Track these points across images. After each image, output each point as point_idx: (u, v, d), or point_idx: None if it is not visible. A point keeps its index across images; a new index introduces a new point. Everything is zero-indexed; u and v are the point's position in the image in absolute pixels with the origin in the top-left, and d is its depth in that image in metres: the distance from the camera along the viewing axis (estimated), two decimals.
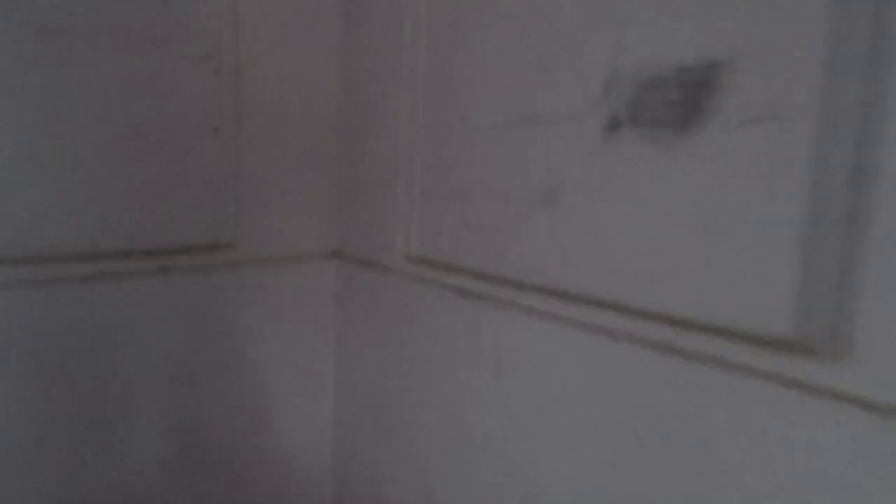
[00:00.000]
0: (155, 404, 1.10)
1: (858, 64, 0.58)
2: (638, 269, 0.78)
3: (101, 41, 0.98)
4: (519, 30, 0.91)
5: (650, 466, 0.77)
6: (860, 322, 0.60)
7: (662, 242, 0.75)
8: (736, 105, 0.66)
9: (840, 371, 0.61)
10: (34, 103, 0.94)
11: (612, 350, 0.80)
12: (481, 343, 1.00)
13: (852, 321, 0.60)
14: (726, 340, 0.69)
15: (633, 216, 0.78)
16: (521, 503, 0.95)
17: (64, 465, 1.03)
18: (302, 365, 1.30)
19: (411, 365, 1.15)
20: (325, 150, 1.26)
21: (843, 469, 0.61)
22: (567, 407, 0.88)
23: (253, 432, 1.24)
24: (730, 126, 0.67)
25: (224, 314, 1.17)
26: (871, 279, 0.59)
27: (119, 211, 1.03)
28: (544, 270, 0.90)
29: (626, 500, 0.80)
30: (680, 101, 0.70)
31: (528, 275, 0.92)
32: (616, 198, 0.80)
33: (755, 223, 0.66)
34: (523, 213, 0.92)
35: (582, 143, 0.83)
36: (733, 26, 0.66)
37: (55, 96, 0.95)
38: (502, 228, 0.96)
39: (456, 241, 1.04)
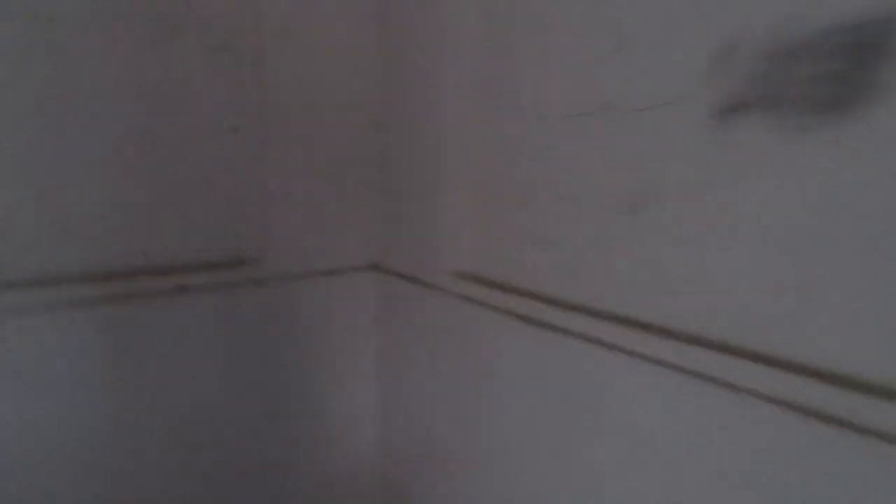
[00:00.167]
0: (173, 437, 0.99)
1: None
2: (767, 301, 0.59)
3: (104, 30, 0.86)
4: None
5: None
6: None
7: (807, 268, 0.56)
8: None
9: None
10: (28, 104, 0.82)
11: (730, 408, 0.61)
12: (548, 381, 0.83)
13: None
14: None
15: (759, 229, 0.59)
16: None
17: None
18: (338, 390, 1.16)
19: (462, 395, 0.99)
20: (362, 150, 1.11)
21: None
22: (648, 466, 0.70)
23: (288, 464, 1.11)
24: None
25: (250, 336, 1.04)
26: None
27: (129, 225, 0.91)
28: (631, 296, 0.72)
29: None
30: (837, 73, 0.50)
31: (610, 301, 0.74)
32: (733, 204, 0.61)
33: None
34: (603, 222, 0.74)
35: (682, 133, 0.64)
36: None
37: (51, 96, 0.83)
38: (575, 242, 0.78)
39: (516, 256, 0.87)
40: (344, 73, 1.07)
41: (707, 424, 0.64)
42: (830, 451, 0.54)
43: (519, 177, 0.85)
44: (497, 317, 0.90)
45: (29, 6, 0.79)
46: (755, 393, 0.59)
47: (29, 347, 0.86)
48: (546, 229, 0.82)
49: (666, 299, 0.69)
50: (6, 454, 0.86)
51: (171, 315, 0.95)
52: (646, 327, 0.71)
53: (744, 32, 0.58)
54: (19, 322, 0.85)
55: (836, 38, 0.50)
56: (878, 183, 0.50)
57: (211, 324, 0.99)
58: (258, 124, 1.00)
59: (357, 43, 1.07)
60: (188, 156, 0.95)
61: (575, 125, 0.76)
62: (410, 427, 1.14)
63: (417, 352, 1.09)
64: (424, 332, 1.06)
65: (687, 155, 0.64)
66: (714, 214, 0.63)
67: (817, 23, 0.52)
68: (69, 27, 0.83)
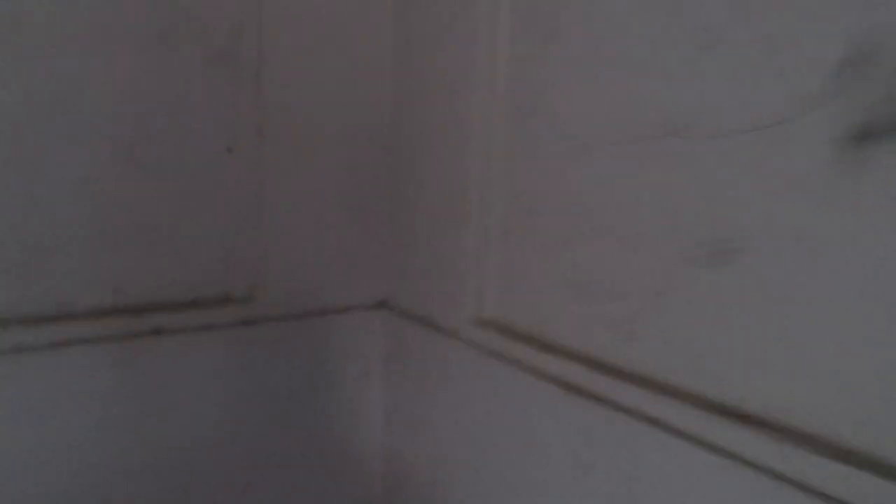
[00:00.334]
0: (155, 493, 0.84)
1: None
2: (888, 396, 0.44)
3: (85, 36, 0.74)
4: None
5: None
6: None
7: None
8: None
9: None
10: None
11: None
12: (590, 464, 0.67)
13: None
14: None
15: (886, 299, 0.44)
16: None
17: None
18: (341, 445, 1.01)
19: (482, 465, 0.84)
20: (373, 175, 0.98)
21: None
22: None
23: None
24: None
25: (237, 386, 0.90)
26: None
27: (98, 257, 0.78)
28: (703, 369, 0.57)
29: None
30: None
31: (675, 373, 0.59)
32: (852, 262, 0.46)
33: None
34: (671, 273, 0.59)
35: (788, 165, 0.49)
36: None
37: (18, 111, 0.71)
38: (633, 295, 0.63)
39: (553, 305, 0.73)
40: (354, 88, 0.94)
41: None
42: None
43: (562, 210, 0.71)
44: (528, 378, 0.75)
45: None
46: None
47: None
48: (594, 276, 0.67)
49: (749, 377, 0.54)
50: None
51: (145, 361, 0.81)
52: (720, 409, 0.56)
53: (883, 35, 0.43)
54: None
55: None
56: None
57: (190, 372, 0.85)
58: (256, 145, 0.87)
59: (370, 53, 0.95)
60: (176, 178, 0.82)
61: (633, 152, 0.62)
62: (420, 491, 0.98)
63: (430, 410, 0.93)
64: (439, 388, 0.91)
65: (794, 194, 0.49)
66: (824, 274, 0.48)
67: None
68: (40, 32, 0.71)
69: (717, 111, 0.54)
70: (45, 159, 0.74)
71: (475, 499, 0.86)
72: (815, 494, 0.49)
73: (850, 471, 0.46)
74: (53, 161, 0.74)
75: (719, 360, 0.56)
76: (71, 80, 0.74)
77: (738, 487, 0.54)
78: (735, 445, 0.54)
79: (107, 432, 0.80)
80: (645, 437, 0.61)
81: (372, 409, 1.04)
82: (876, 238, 0.45)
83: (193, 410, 0.86)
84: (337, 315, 0.98)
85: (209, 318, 0.85)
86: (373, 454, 1.04)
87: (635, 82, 0.62)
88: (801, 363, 0.50)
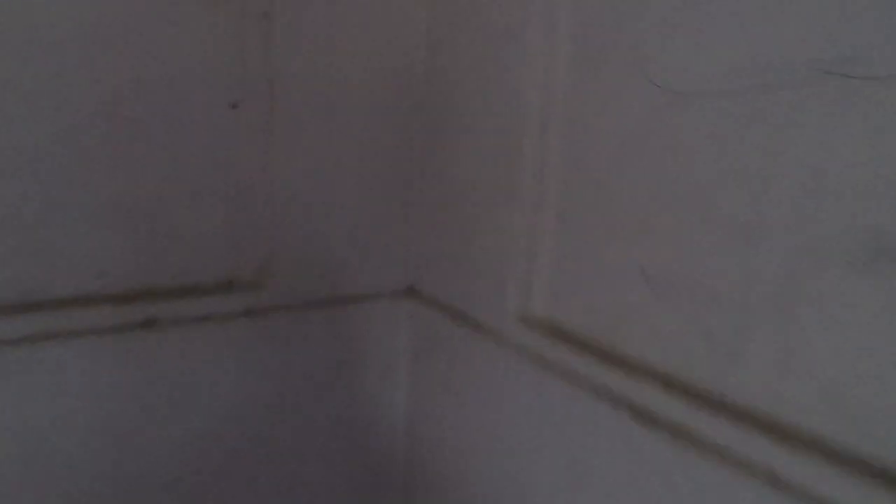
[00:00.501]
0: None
1: None
2: None
3: None
4: None
5: None
6: None
7: None
8: None
9: None
10: None
11: None
12: None
13: None
14: None
15: None
16: None
17: None
18: (359, 451, 0.90)
19: (522, 486, 0.71)
20: (403, 138, 0.83)
21: None
22: None
23: None
24: None
25: (244, 385, 0.78)
26: None
27: (78, 234, 0.66)
28: (851, 414, 0.42)
29: None
30: None
31: (806, 413, 0.44)
32: None
33: None
34: (802, 274, 0.44)
35: None
36: None
37: None
38: (740, 299, 0.48)
39: (624, 306, 0.58)
40: (381, 30, 0.78)
41: None
42: None
43: (644, 183, 0.55)
44: (586, 395, 0.61)
45: None
46: None
47: None
48: (686, 273, 0.52)
49: None
50: None
51: (135, 357, 0.70)
52: (871, 472, 0.41)
53: None
54: None
55: None
56: None
57: (188, 370, 0.73)
58: (265, 100, 0.73)
59: None
60: (170, 140, 0.68)
61: (764, 103, 0.46)
62: None
63: (462, 419, 0.80)
64: (473, 395, 0.78)
65: None
66: None
67: None
68: None
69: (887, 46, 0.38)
70: (11, 116, 0.61)
71: None
72: None
73: None
74: (22, 118, 0.62)
75: (873, 405, 0.41)
76: (42, 17, 0.61)
77: None
78: None
79: (93, 436, 0.70)
80: (748, 493, 0.47)
81: (394, 412, 0.91)
82: None
83: (192, 412, 0.75)
84: (357, 304, 0.86)
85: (210, 307, 0.73)
86: (393, 461, 0.93)
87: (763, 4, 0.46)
88: None
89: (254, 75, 0.72)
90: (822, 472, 0.43)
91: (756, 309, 0.47)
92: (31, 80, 0.62)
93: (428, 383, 0.88)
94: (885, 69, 0.39)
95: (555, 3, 0.62)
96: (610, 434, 0.58)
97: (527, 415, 0.70)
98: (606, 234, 0.60)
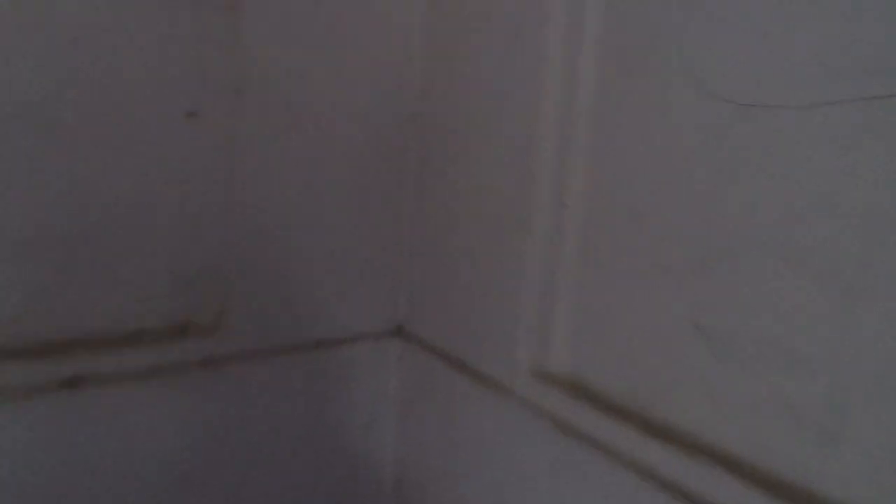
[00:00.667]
0: None
1: None
2: None
3: None
4: None
5: None
6: None
7: None
8: None
9: None
10: None
11: None
12: None
13: None
14: None
15: None
16: None
17: None
18: None
19: None
20: (393, 154, 0.72)
21: None
22: None
23: None
24: None
25: (199, 450, 0.64)
26: None
27: None
28: None
29: None
30: None
31: None
32: None
33: None
34: None
35: None
36: None
37: None
38: (834, 362, 0.37)
39: (668, 365, 0.47)
40: (369, 25, 0.67)
41: None
42: None
43: (694, 216, 0.45)
44: (621, 472, 0.49)
45: None
46: None
47: None
48: (757, 329, 0.41)
49: None
50: None
51: (59, 423, 0.56)
52: None
53: None
54: None
55: None
56: None
57: (126, 436, 0.59)
58: (230, 109, 0.61)
59: None
60: (109, 154, 0.56)
61: (860, 116, 0.36)
62: None
63: (460, 484, 0.68)
64: (475, 457, 0.65)
65: None
66: None
67: None
68: None
69: None
70: None
71: None
72: None
73: None
74: None
75: None
76: None
77: None
78: None
79: None
80: None
81: (381, 470, 0.78)
82: None
83: (134, 484, 0.61)
84: (338, 347, 0.73)
85: (157, 357, 0.60)
86: None
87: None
88: None
89: (216, 79, 0.60)
90: None
91: (859, 380, 0.37)
92: None
93: (420, 439, 0.75)
94: None
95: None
96: None
97: (543, 484, 0.57)
98: (646, 275, 0.49)
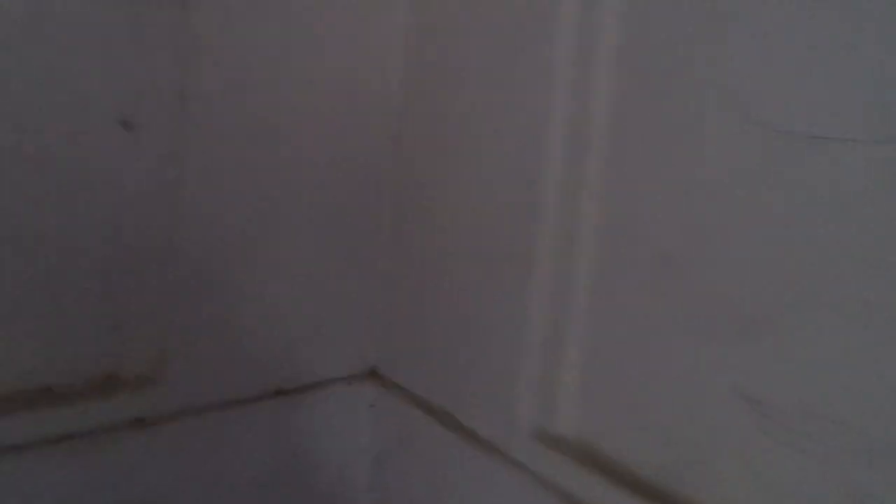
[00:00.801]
0: None
1: None
2: None
3: None
4: None
5: None
6: None
7: None
8: None
9: None
10: None
11: None
12: None
13: None
14: None
15: None
16: None
17: None
18: None
19: None
20: (368, 171, 0.62)
21: None
22: None
23: None
24: None
25: None
26: None
27: None
28: None
29: None
30: None
31: None
32: None
33: None
34: None
35: None
36: None
37: None
38: None
39: (704, 435, 0.39)
40: (343, 21, 0.58)
41: None
42: None
43: (740, 264, 0.37)
44: None
45: None
46: None
47: None
48: (820, 402, 0.34)
49: None
50: None
51: None
52: None
53: None
54: None
55: None
56: None
57: None
58: (174, 118, 0.51)
59: None
60: (22, 172, 0.45)
61: None
62: None
63: None
64: None
65: None
66: None
67: None
68: None
69: None
70: None
71: None
72: None
73: None
74: None
75: None
76: None
77: None
78: None
79: None
80: None
81: None
82: None
83: None
84: (301, 395, 0.63)
85: (75, 419, 0.48)
86: None
87: None
88: None
89: (158, 82, 0.50)
90: None
91: None
92: None
93: (396, 499, 0.66)
94: None
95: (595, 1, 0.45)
96: None
97: None
98: (677, 328, 0.41)
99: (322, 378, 0.64)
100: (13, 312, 0.46)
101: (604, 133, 0.45)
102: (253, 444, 0.60)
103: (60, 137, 0.47)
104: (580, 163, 0.46)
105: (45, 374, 0.47)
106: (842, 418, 0.34)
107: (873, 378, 0.33)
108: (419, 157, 0.60)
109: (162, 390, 0.53)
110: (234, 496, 0.59)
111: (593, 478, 0.45)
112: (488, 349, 0.53)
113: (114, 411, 0.50)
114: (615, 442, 0.45)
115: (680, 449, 0.41)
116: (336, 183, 0.61)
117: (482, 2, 0.53)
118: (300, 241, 0.60)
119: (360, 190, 0.62)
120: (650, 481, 0.42)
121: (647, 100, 0.43)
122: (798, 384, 0.35)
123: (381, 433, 0.67)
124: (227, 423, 0.57)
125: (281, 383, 0.61)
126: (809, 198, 0.35)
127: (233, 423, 0.58)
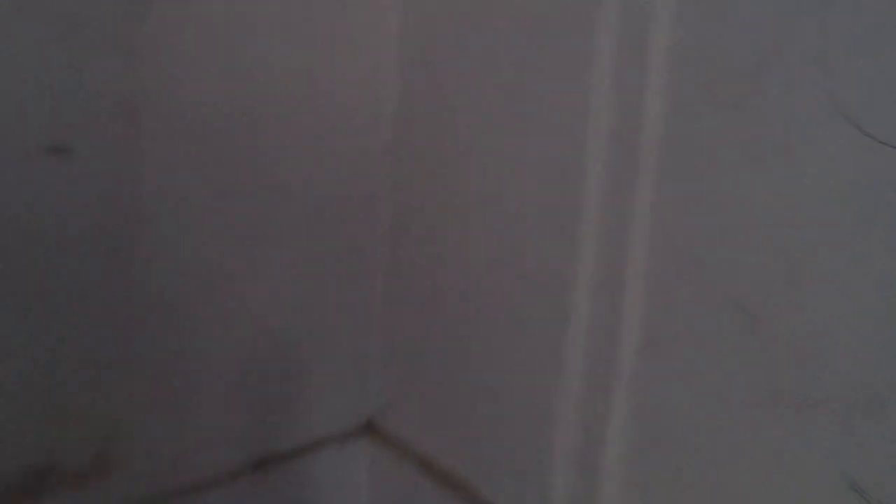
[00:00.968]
0: None
1: None
2: None
3: None
4: None
5: None
6: None
7: None
8: None
9: None
10: None
11: None
12: None
13: None
14: None
15: None
16: None
17: None
18: None
19: None
20: (360, 203, 0.53)
21: None
22: None
23: None
24: None
25: None
26: None
27: None
28: None
29: None
30: None
31: None
32: None
33: None
34: None
35: None
36: None
37: None
38: None
39: None
40: (331, 30, 0.49)
41: None
42: None
43: (851, 319, 0.29)
44: None
45: None
46: None
47: None
48: None
49: None
50: None
51: None
52: None
53: None
54: None
55: None
56: None
57: None
58: (121, 140, 0.41)
59: None
60: None
61: None
62: None
63: None
64: None
65: None
66: None
67: None
68: None
69: None
70: None
71: None
72: None
73: None
74: None
75: None
76: None
77: None
78: None
79: None
80: None
81: None
82: None
83: None
84: (285, 462, 0.53)
85: None
86: None
87: None
88: None
89: (101, 96, 0.40)
90: None
91: None
92: None
93: None
94: None
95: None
96: None
97: None
98: (763, 400, 0.33)
99: (311, 440, 0.54)
100: None
101: (658, 147, 0.36)
102: None
103: None
104: (628, 185, 0.37)
105: None
106: None
107: None
108: (418, 176, 0.51)
109: (106, 485, 0.42)
110: None
111: None
112: (512, 408, 0.45)
113: None
114: None
115: None
116: (320, 209, 0.51)
117: None
118: (276, 279, 0.50)
119: (350, 217, 0.53)
120: None
121: (712, 110, 0.35)
122: None
123: (382, 496, 0.57)
124: None
125: (262, 454, 0.51)
126: None
127: None
